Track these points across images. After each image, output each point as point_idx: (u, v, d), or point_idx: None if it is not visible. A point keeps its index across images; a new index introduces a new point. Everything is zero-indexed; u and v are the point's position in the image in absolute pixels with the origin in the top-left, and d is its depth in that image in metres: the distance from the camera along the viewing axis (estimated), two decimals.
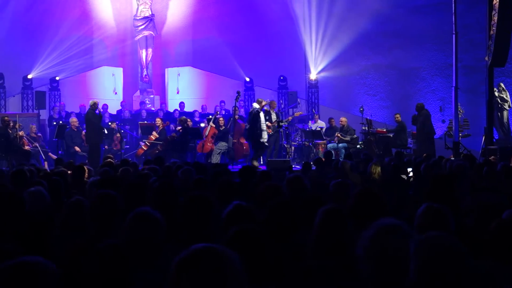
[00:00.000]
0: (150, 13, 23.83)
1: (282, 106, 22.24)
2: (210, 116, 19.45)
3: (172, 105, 23.37)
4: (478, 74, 20.78)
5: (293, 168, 14.24)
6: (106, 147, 19.01)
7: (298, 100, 22.32)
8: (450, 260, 2.69)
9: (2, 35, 22.34)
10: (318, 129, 19.87)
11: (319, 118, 21.25)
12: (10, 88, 22.58)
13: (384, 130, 19.13)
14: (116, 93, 24.05)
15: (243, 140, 18.60)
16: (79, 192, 7.85)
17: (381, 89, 23.37)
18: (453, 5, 17.98)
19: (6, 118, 17.41)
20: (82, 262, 3.41)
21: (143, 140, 19.16)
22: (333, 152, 16.54)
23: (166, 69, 24.71)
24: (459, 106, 18.22)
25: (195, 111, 22.06)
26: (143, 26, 23.75)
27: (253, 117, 16.30)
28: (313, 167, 12.10)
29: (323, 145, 19.26)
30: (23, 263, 2.50)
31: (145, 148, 18.67)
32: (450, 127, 19.19)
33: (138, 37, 23.84)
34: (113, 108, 22.53)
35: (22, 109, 22.46)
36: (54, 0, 22.92)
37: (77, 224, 4.95)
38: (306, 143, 19.96)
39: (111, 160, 12.18)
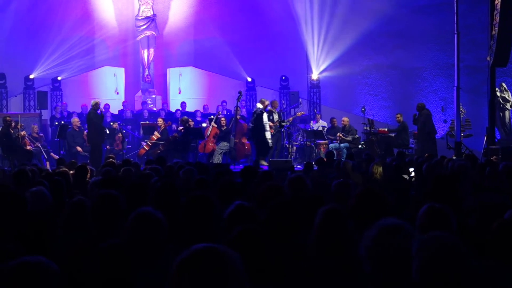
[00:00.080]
0: (152, 13, 23.84)
1: (284, 106, 22.22)
2: (212, 116, 19.45)
3: (174, 105, 23.37)
4: (480, 74, 20.77)
5: (295, 168, 14.23)
6: (108, 147, 19.02)
7: (300, 100, 22.31)
8: (452, 260, 2.69)
9: (4, 35, 22.38)
10: (320, 129, 19.86)
11: (320, 118, 21.23)
12: (12, 88, 22.60)
13: (386, 130, 19.11)
14: (118, 93, 24.05)
15: (244, 140, 18.60)
16: (81, 192, 7.85)
17: (383, 89, 23.36)
18: (455, 5, 17.96)
19: (8, 118, 17.42)
20: (84, 262, 3.41)
21: (145, 140, 19.17)
22: (335, 152, 16.53)
23: (168, 69, 24.70)
24: (461, 106, 18.20)
25: (197, 110, 22.06)
26: (144, 26, 23.76)
27: (257, 117, 16.29)
28: (315, 167, 12.10)
29: (324, 145, 19.26)
30: (25, 263, 2.50)
31: (146, 148, 18.67)
32: (452, 127, 19.16)
33: (140, 37, 23.85)
34: (115, 108, 22.54)
35: (24, 109, 22.47)
36: (56, 0, 22.93)
37: (79, 224, 4.95)
38: (307, 143, 19.95)
39: (113, 160, 12.18)
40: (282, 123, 17.39)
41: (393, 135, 18.58)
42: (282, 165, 14.56)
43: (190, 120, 18.80)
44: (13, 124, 17.40)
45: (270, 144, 16.55)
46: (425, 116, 17.96)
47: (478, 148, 18.90)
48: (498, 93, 18.58)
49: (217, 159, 18.09)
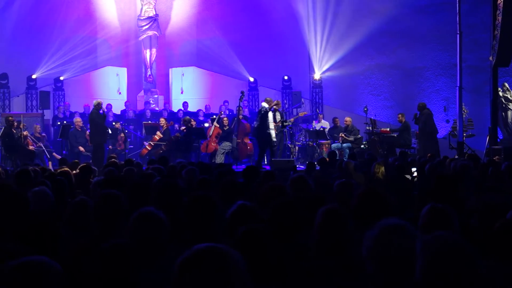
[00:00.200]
0: (154, 13, 23.86)
1: (286, 106, 22.22)
2: (214, 116, 19.46)
3: (176, 105, 23.38)
4: (482, 74, 20.76)
5: (297, 168, 14.23)
6: (110, 147, 19.01)
7: (302, 100, 22.31)
8: (457, 260, 2.68)
9: (6, 35, 22.41)
10: (322, 129, 19.85)
11: (323, 118, 21.23)
12: (14, 88, 22.63)
13: (388, 130, 19.10)
14: (120, 93, 24.06)
15: (247, 140, 18.61)
16: (83, 192, 7.86)
17: (385, 89, 23.35)
18: (457, 5, 17.95)
19: (10, 118, 17.45)
20: (86, 262, 3.41)
21: (147, 140, 19.18)
22: (337, 152, 16.53)
23: (170, 69, 24.71)
24: (463, 106, 18.20)
25: (199, 110, 22.06)
26: (147, 26, 23.78)
27: (262, 116, 16.28)
28: (317, 167, 12.10)
29: (327, 145, 19.25)
30: (28, 263, 2.50)
31: (149, 148, 18.68)
32: (454, 127, 19.16)
33: (142, 37, 23.87)
34: (117, 108, 22.56)
35: (26, 109, 22.50)
36: (58, 0, 22.95)
37: (81, 224, 4.96)
38: (310, 143, 19.94)
39: (115, 160, 12.18)
40: (284, 123, 17.39)
41: (395, 135, 18.57)
42: (285, 165, 14.55)
43: (192, 120, 18.80)
44: (16, 124, 17.43)
45: (275, 144, 16.55)
46: (426, 115, 17.95)
47: (480, 148, 18.88)
48: (500, 93, 18.56)
49: (219, 159, 18.09)
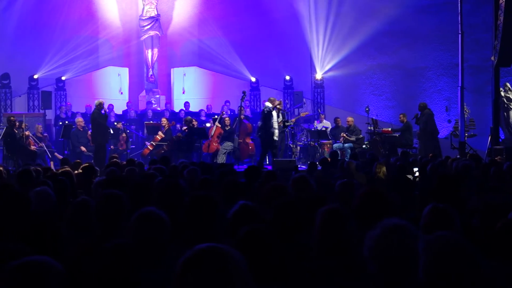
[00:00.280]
0: (156, 13, 23.86)
1: (288, 106, 22.22)
2: (216, 116, 19.46)
3: (178, 105, 23.38)
4: (484, 74, 20.74)
5: (299, 168, 14.22)
6: (112, 147, 19.03)
7: (304, 100, 22.31)
8: (459, 260, 2.69)
9: (8, 35, 22.41)
10: (324, 129, 19.85)
11: (324, 118, 21.22)
12: (16, 88, 22.63)
13: (390, 130, 19.10)
14: (122, 93, 24.07)
15: (248, 140, 18.61)
16: (85, 192, 7.86)
17: (387, 89, 23.33)
18: (459, 5, 17.95)
19: (12, 118, 17.46)
20: (88, 262, 3.41)
21: (149, 140, 19.20)
22: (339, 152, 16.53)
23: (171, 69, 24.72)
24: (465, 106, 18.20)
25: (201, 110, 22.06)
26: (148, 26, 23.78)
27: (266, 115, 16.28)
28: (319, 167, 12.10)
29: (328, 145, 19.26)
30: (30, 263, 2.50)
31: (151, 148, 18.68)
32: (456, 127, 19.15)
33: (143, 37, 23.88)
34: (119, 108, 22.56)
35: (28, 109, 22.50)
36: (60, 0, 22.96)
37: (83, 224, 4.96)
38: (311, 143, 19.94)
39: (117, 160, 12.19)
40: (286, 123, 17.40)
41: (397, 135, 18.57)
42: (286, 165, 14.56)
43: (194, 120, 18.80)
44: (17, 124, 17.44)
45: (276, 143, 16.56)
46: (427, 115, 17.96)
47: (482, 148, 18.88)
48: (502, 93, 18.54)
49: (221, 159, 18.09)
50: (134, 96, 24.12)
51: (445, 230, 3.05)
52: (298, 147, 20.23)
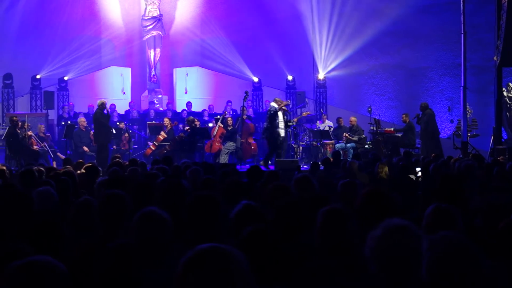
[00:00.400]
0: (158, 13, 23.87)
1: (290, 106, 22.22)
2: (218, 116, 19.46)
3: (181, 105, 23.39)
4: (486, 74, 20.72)
5: (301, 168, 14.22)
6: (114, 147, 19.04)
7: (306, 100, 22.31)
8: (463, 260, 2.69)
9: (11, 35, 22.44)
10: (326, 129, 19.85)
11: (327, 118, 21.21)
12: (18, 88, 22.67)
13: (392, 130, 19.08)
14: (124, 93, 24.10)
15: (251, 140, 18.61)
16: (88, 192, 7.87)
17: (389, 89, 23.31)
18: (461, 4, 17.94)
19: (14, 118, 17.48)
20: (91, 262, 3.41)
21: (151, 140, 19.20)
22: (341, 152, 16.51)
23: (174, 69, 24.74)
24: (467, 106, 18.17)
25: (204, 110, 22.07)
26: (151, 26, 23.79)
27: (271, 116, 16.31)
28: (321, 167, 12.09)
29: (331, 145, 19.25)
30: (32, 263, 2.50)
31: (153, 148, 18.69)
32: (458, 127, 19.12)
33: (146, 37, 23.89)
34: (122, 108, 22.56)
35: (30, 109, 22.53)
36: (62, 0, 22.98)
37: (85, 224, 4.96)
38: (314, 143, 19.94)
39: (120, 160, 12.19)
40: (288, 123, 17.39)
41: (400, 135, 18.55)
42: (289, 165, 14.56)
43: (196, 120, 18.81)
44: (20, 124, 17.46)
45: (281, 144, 16.59)
46: (428, 116, 17.95)
47: (484, 148, 18.85)
48: (505, 93, 18.54)
49: (224, 159, 18.09)
50: (136, 96, 24.14)
51: (448, 230, 3.05)
52: (301, 147, 20.23)
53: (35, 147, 17.78)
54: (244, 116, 18.37)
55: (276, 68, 23.36)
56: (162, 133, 18.86)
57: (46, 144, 18.43)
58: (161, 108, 23.05)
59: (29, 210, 5.07)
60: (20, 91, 22.81)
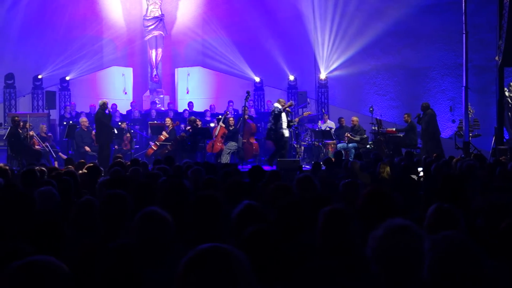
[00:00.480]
0: (160, 13, 23.89)
1: (292, 106, 22.21)
2: (220, 116, 19.46)
3: (182, 105, 23.40)
4: (488, 74, 20.69)
5: (303, 168, 14.23)
6: (116, 147, 19.04)
7: (308, 100, 22.30)
8: (465, 260, 2.68)
9: (12, 36, 22.46)
10: (328, 129, 19.84)
11: (328, 118, 21.21)
12: (20, 88, 22.69)
13: (394, 130, 19.07)
14: (126, 93, 24.12)
15: (253, 140, 18.61)
16: (89, 192, 7.86)
17: (391, 89, 23.29)
18: (463, 4, 17.92)
19: (16, 118, 17.50)
20: (92, 262, 3.41)
21: (153, 140, 19.21)
22: (343, 152, 16.52)
23: (176, 69, 24.75)
24: (469, 106, 18.16)
25: (206, 110, 22.08)
26: (153, 26, 23.81)
27: (275, 116, 16.34)
28: (323, 167, 12.09)
29: (332, 145, 19.24)
30: (34, 263, 2.50)
31: (155, 148, 18.69)
32: (460, 127, 19.11)
33: (148, 37, 23.91)
34: (123, 108, 22.58)
35: (32, 109, 22.56)
36: (64, 0, 22.99)
37: (87, 224, 4.96)
38: (315, 143, 19.94)
39: (121, 160, 12.19)
40: (290, 123, 17.40)
41: (401, 135, 18.54)
42: (290, 165, 14.56)
43: (198, 120, 18.81)
44: (22, 124, 17.49)
45: (285, 144, 16.61)
46: (429, 115, 17.94)
47: (486, 148, 18.83)
48: (506, 93, 18.53)
49: (225, 159, 18.09)
50: (138, 96, 24.16)
51: (449, 230, 3.04)
52: (302, 147, 20.23)
53: (36, 147, 17.80)
54: (246, 116, 18.37)
55: (278, 68, 23.36)
56: (164, 133, 18.86)
57: (47, 144, 18.45)
58: (162, 108, 23.06)
59: (31, 210, 5.07)
60: (22, 91, 22.84)
